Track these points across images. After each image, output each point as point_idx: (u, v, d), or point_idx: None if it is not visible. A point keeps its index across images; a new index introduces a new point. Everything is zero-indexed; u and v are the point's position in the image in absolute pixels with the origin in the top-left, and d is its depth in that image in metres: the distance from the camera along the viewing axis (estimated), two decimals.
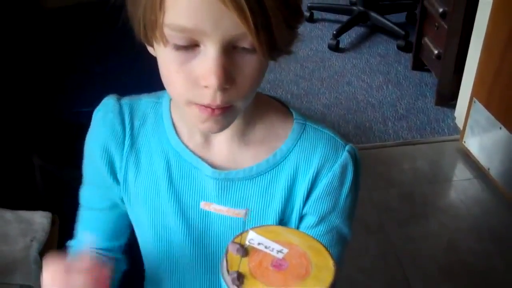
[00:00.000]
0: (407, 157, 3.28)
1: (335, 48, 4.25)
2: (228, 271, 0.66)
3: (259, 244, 0.65)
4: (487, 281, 2.55)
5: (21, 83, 2.06)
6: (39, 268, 1.25)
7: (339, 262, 0.98)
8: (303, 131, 0.97)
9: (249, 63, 0.79)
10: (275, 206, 0.96)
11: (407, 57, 4.15)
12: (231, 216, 0.66)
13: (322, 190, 0.96)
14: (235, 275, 0.64)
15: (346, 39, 4.41)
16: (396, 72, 4.03)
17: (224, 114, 0.82)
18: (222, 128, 0.86)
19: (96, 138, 1.00)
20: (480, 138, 3.12)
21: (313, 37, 4.43)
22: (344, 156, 0.96)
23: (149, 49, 0.87)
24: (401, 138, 3.40)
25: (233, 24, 0.73)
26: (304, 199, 0.96)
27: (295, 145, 0.96)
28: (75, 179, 1.94)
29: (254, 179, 0.95)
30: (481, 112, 3.05)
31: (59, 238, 1.37)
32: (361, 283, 2.53)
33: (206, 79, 0.77)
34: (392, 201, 2.97)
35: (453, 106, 3.54)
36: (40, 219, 1.34)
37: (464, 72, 3.35)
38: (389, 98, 3.76)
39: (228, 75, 0.77)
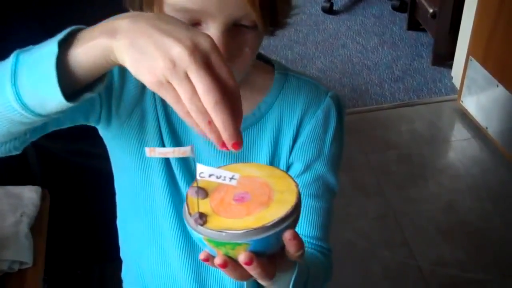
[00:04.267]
0: (404, 119, 3.26)
1: (328, 10, 4.19)
2: (190, 214, 0.65)
3: (210, 175, 0.64)
4: (486, 240, 2.55)
5: None
6: (31, 244, 1.23)
7: (329, 214, 0.99)
8: (285, 81, 0.96)
9: (249, 40, 0.79)
10: (262, 158, 0.96)
11: (402, 17, 4.10)
12: (179, 156, 0.64)
13: (306, 137, 0.96)
14: (197, 215, 0.64)
15: (339, 1, 4.36)
16: (391, 33, 3.98)
17: None
18: None
19: None
20: (477, 97, 3.09)
21: (306, 0, 4.36)
22: (326, 101, 0.96)
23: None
24: (397, 100, 3.38)
25: (238, 5, 0.73)
26: (290, 148, 0.96)
27: (278, 96, 0.95)
28: (68, 152, 1.92)
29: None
30: (477, 71, 3.02)
31: (50, 213, 1.34)
32: (360, 247, 2.52)
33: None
34: (390, 164, 2.96)
35: (449, 65, 3.51)
36: (29, 194, 1.31)
37: (460, 30, 3.31)
38: (384, 60, 3.72)
39: (229, 54, 0.77)
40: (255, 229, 0.62)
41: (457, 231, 2.59)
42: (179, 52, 0.58)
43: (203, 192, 0.68)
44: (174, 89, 0.59)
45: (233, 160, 0.95)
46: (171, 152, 0.65)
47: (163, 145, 0.93)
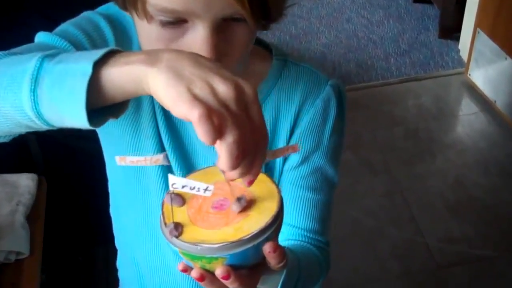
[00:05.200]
0: (411, 94, 3.22)
1: None
2: (165, 224, 0.62)
3: (183, 187, 0.60)
4: (495, 216, 2.52)
5: None
6: (27, 233, 1.21)
7: (327, 206, 0.95)
8: (283, 69, 0.91)
9: (240, 34, 0.74)
10: None
11: None
12: (151, 165, 0.60)
13: (305, 128, 0.91)
14: (172, 226, 0.61)
15: None
16: (397, 6, 3.91)
17: None
18: None
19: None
20: (485, 70, 3.04)
21: None
22: (326, 90, 0.91)
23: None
24: (404, 75, 3.33)
25: (225, 4, 0.68)
26: (288, 138, 0.92)
27: (276, 84, 0.91)
28: (67, 137, 1.90)
29: None
30: (485, 43, 2.97)
31: (47, 201, 1.32)
32: (367, 225, 2.51)
33: (196, 43, 0.71)
34: (397, 140, 2.93)
35: (456, 38, 3.46)
36: (25, 182, 1.29)
37: (467, 1, 3.24)
38: (390, 34, 3.67)
39: (219, 51, 0.72)
40: (232, 242, 0.58)
41: (465, 207, 2.56)
42: (224, 90, 0.56)
43: (180, 199, 0.64)
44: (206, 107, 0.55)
45: None
46: (142, 160, 0.62)
47: (159, 135, 0.89)
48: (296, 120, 0.91)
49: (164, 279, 1.02)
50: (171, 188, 0.61)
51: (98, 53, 0.60)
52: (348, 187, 2.62)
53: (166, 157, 0.60)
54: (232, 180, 0.59)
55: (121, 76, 0.59)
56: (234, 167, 0.56)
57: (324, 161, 0.93)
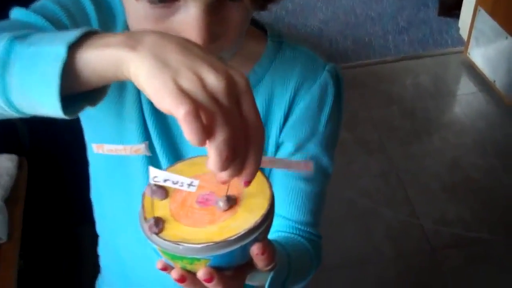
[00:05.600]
0: (409, 72, 3.18)
1: None
2: (145, 218, 0.57)
3: (165, 181, 0.56)
4: (492, 198, 2.49)
5: None
6: (5, 217, 1.16)
7: (321, 198, 0.90)
8: (278, 51, 0.85)
9: (235, 14, 0.68)
10: None
11: None
12: (131, 154, 0.55)
13: (300, 114, 0.86)
14: (152, 221, 0.56)
15: None
16: None
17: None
18: None
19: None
20: (485, 49, 3.00)
21: None
22: (323, 76, 0.85)
23: None
24: (402, 52, 3.30)
25: None
26: (281, 125, 0.86)
27: (270, 67, 0.85)
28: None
29: None
30: (486, 21, 2.91)
31: (28, 183, 1.26)
32: (361, 205, 2.48)
33: (188, 25, 0.66)
34: (393, 119, 2.89)
35: (456, 15, 3.40)
36: (4, 163, 1.24)
37: None
38: (389, 10, 3.61)
39: (213, 33, 0.66)
40: (216, 243, 0.53)
41: (461, 188, 2.54)
42: (214, 81, 0.51)
43: (162, 192, 0.59)
44: (193, 102, 0.50)
45: None
46: (121, 149, 0.56)
47: (144, 120, 0.83)
48: (290, 106, 0.86)
49: (146, 269, 0.97)
50: (151, 182, 0.56)
51: (73, 34, 0.54)
52: (343, 167, 2.58)
53: (147, 147, 0.55)
54: (224, 182, 0.54)
55: (99, 60, 0.53)
56: (224, 168, 0.51)
57: (319, 150, 0.88)
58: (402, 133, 2.81)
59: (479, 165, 2.63)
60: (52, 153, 1.81)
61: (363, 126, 2.84)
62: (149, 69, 0.50)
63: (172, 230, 0.55)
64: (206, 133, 0.49)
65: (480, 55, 3.05)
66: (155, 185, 0.58)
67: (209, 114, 0.49)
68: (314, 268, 0.91)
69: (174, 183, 0.56)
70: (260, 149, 0.54)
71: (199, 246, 0.53)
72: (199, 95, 0.50)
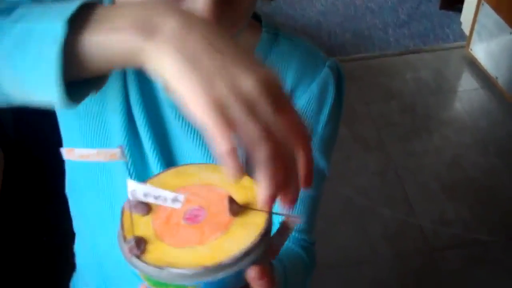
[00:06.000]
0: (409, 67, 3.13)
1: None
2: (124, 238, 0.49)
3: (145, 195, 0.48)
4: (493, 198, 2.44)
5: None
6: None
7: (315, 201, 0.85)
8: (273, 43, 0.79)
9: None
10: None
11: None
12: (105, 160, 0.47)
13: None
14: (133, 242, 0.48)
15: None
16: None
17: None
18: None
19: None
20: (488, 45, 2.94)
21: None
22: (324, 72, 0.79)
23: None
24: (402, 46, 3.25)
25: None
26: None
27: (265, 60, 0.78)
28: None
29: None
30: (489, 16, 2.86)
31: (5, 175, 1.18)
32: (359, 204, 2.42)
33: (196, 10, 0.58)
34: (393, 115, 2.84)
35: (459, 9, 3.34)
36: None
37: None
38: (389, 3, 3.56)
39: (221, 11, 0.59)
40: (207, 267, 0.46)
41: (461, 188, 2.49)
42: (250, 87, 0.44)
43: (144, 206, 0.51)
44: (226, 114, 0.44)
45: None
46: (94, 154, 0.48)
47: (129, 108, 0.75)
48: None
49: (127, 270, 0.89)
50: (129, 197, 0.48)
51: (69, 8, 0.46)
52: (340, 164, 2.53)
53: (123, 152, 0.47)
54: (269, 203, 0.47)
55: (106, 46, 0.46)
56: (277, 189, 0.45)
57: (317, 153, 0.81)
58: (401, 130, 2.76)
59: (480, 164, 2.58)
60: (38, 141, 1.73)
61: (361, 121, 2.78)
62: (175, 69, 0.44)
63: (156, 252, 0.48)
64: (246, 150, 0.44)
65: (483, 51, 3.00)
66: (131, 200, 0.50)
67: (248, 131, 0.44)
68: (310, 277, 0.85)
69: (155, 197, 0.48)
70: (310, 153, 0.47)
71: (188, 271, 0.46)
72: (237, 109, 0.43)
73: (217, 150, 0.43)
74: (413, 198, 2.43)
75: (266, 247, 0.49)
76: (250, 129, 0.44)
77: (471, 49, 3.09)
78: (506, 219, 2.35)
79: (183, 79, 0.43)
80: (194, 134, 0.77)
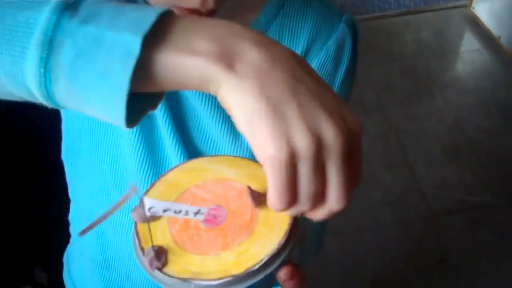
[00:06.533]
0: (410, 28, 3.09)
1: None
2: (142, 250, 0.45)
3: (165, 211, 0.45)
4: (496, 161, 2.41)
5: None
6: None
7: None
8: None
9: None
10: None
11: None
12: (122, 205, 0.43)
13: None
14: (152, 253, 0.44)
15: None
16: None
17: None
18: None
19: None
20: (490, 3, 2.89)
21: None
22: (340, 29, 0.74)
23: None
24: (403, 7, 3.20)
25: None
26: None
27: (277, 16, 0.74)
28: None
29: None
30: None
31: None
32: None
33: None
34: (393, 78, 2.80)
35: None
36: None
37: None
38: None
39: None
40: (235, 276, 0.43)
41: (463, 151, 2.45)
42: (331, 136, 0.41)
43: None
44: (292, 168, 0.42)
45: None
46: (108, 213, 0.45)
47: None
48: None
49: (123, 237, 0.85)
50: (148, 213, 0.45)
51: (146, 19, 0.41)
52: None
53: (135, 190, 0.44)
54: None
55: (181, 69, 0.42)
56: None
57: None
58: (402, 93, 2.72)
59: (483, 126, 2.55)
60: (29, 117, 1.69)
61: (361, 85, 2.74)
62: (255, 109, 0.41)
63: (178, 262, 0.45)
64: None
65: (485, 10, 2.95)
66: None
67: (305, 190, 0.42)
68: (323, 244, 0.86)
69: (176, 212, 0.45)
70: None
71: (215, 283, 0.43)
72: (306, 164, 0.41)
73: (269, 203, 0.42)
74: (414, 163, 2.40)
75: (293, 243, 0.46)
76: (308, 189, 0.42)
77: (473, 8, 3.04)
78: (509, 181, 2.32)
79: (261, 122, 0.40)
80: (203, 97, 0.74)
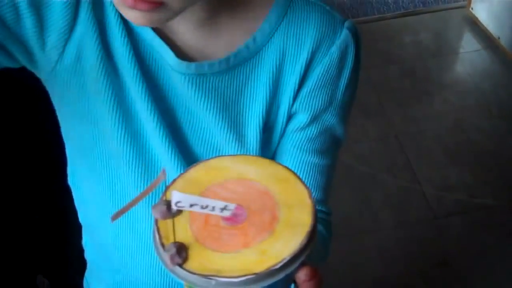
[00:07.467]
0: (409, 30, 3.09)
1: None
2: (163, 246, 0.46)
3: (191, 206, 0.45)
4: (497, 162, 2.41)
5: None
6: None
7: (332, 170, 0.83)
8: (290, 4, 0.75)
9: None
10: (257, 105, 0.77)
11: None
12: (152, 190, 0.44)
13: (317, 81, 0.76)
14: (174, 249, 0.45)
15: None
16: None
17: (152, 11, 0.61)
18: (151, 24, 0.64)
19: None
20: (489, 4, 2.89)
21: None
22: (343, 35, 0.75)
23: None
24: (401, 8, 3.21)
25: None
26: (294, 93, 0.77)
27: (280, 23, 0.74)
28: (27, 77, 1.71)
29: (231, 71, 0.75)
30: None
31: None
32: (360, 171, 2.39)
33: None
34: (393, 80, 2.80)
35: None
36: None
37: None
38: None
39: None
40: (257, 274, 0.44)
41: (464, 152, 2.46)
42: None
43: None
44: None
45: (220, 105, 0.75)
46: (139, 197, 0.46)
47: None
48: (306, 71, 0.75)
49: (138, 260, 0.85)
50: (174, 207, 0.45)
51: None
52: None
53: (164, 173, 0.45)
54: None
55: None
56: None
57: (336, 120, 0.79)
58: (402, 95, 2.72)
59: (483, 127, 2.55)
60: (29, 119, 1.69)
61: (361, 87, 2.62)
62: None
63: (199, 258, 0.45)
64: None
65: (484, 10, 2.95)
66: (165, 200, 0.47)
67: None
68: (328, 247, 0.85)
69: (202, 207, 0.45)
70: None
71: (237, 280, 0.44)
72: None
73: None
74: (415, 164, 2.41)
75: (314, 245, 0.47)
76: None
77: (472, 9, 3.05)
78: (510, 182, 2.32)
79: None
80: (204, 99, 0.75)
